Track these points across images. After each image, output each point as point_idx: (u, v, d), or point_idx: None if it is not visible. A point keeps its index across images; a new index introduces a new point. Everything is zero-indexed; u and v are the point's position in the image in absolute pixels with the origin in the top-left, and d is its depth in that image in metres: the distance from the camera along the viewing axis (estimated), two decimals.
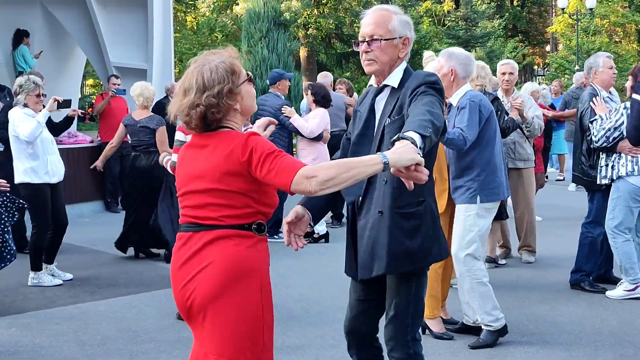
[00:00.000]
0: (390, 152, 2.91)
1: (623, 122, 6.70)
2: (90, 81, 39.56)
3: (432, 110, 3.21)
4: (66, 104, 7.84)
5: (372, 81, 3.75)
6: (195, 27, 40.68)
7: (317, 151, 9.69)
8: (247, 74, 3.24)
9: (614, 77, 7.13)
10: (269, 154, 2.99)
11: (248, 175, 3.05)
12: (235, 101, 3.16)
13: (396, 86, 3.60)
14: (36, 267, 7.60)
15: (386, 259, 3.47)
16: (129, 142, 9.10)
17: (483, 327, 5.60)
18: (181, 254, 3.17)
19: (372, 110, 3.66)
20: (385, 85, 3.66)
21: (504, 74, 8.12)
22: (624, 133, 6.70)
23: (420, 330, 3.70)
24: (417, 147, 2.93)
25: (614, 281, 7.23)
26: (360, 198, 3.57)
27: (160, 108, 13.72)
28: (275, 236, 9.94)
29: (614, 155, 6.84)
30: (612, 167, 6.85)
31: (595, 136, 6.85)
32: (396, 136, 3.01)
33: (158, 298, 7.21)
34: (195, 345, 3.29)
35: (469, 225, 5.50)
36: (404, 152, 2.88)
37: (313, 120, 9.60)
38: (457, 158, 5.55)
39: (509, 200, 8.10)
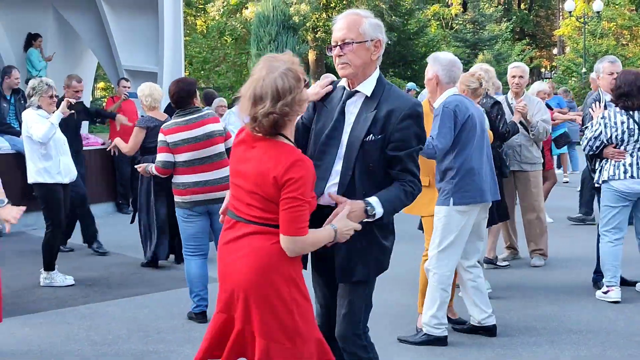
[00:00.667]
0: (338, 220, 3.35)
1: (601, 132, 6.85)
2: (101, 84, 39.68)
3: (406, 190, 3.58)
4: (78, 106, 7.83)
5: (344, 82, 3.74)
6: (205, 31, 40.72)
7: None
8: (305, 80, 3.34)
9: (613, 82, 7.09)
10: (293, 198, 3.18)
11: (278, 191, 3.22)
12: (302, 107, 3.34)
13: (369, 95, 3.62)
14: (49, 267, 7.60)
15: (365, 267, 3.63)
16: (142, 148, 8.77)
17: (424, 327, 5.63)
18: (226, 235, 3.44)
19: (342, 112, 3.65)
20: (357, 91, 3.66)
21: (514, 77, 8.09)
22: (605, 141, 6.85)
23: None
24: (368, 216, 3.47)
25: (630, 283, 7.24)
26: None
27: (169, 111, 13.76)
28: None
29: (603, 160, 6.99)
30: (600, 171, 7.02)
31: (583, 143, 7.06)
32: (364, 200, 3.48)
33: (168, 298, 7.22)
34: (230, 324, 3.42)
35: (440, 226, 5.54)
36: (349, 223, 3.38)
37: None
38: (437, 163, 5.59)
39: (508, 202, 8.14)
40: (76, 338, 5.99)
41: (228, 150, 6.29)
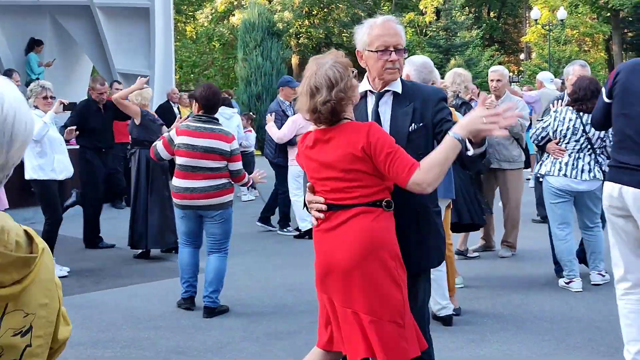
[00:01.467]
0: (454, 129, 3.16)
1: (549, 124, 6.95)
2: None
3: None
4: (72, 106, 7.82)
5: (365, 86, 3.62)
6: (195, 37, 40.67)
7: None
8: (353, 70, 3.36)
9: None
10: (388, 153, 3.17)
11: (370, 160, 3.22)
12: (355, 93, 3.35)
13: (400, 91, 3.54)
14: None
15: (435, 253, 3.58)
16: (132, 140, 8.71)
17: None
18: (325, 226, 3.36)
19: (377, 113, 3.56)
20: (387, 91, 3.56)
21: (492, 80, 8.04)
22: (550, 135, 6.94)
23: None
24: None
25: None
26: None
27: (163, 111, 13.76)
28: (284, 229, 10.04)
29: (545, 154, 7.10)
30: (540, 164, 7.15)
31: (531, 131, 7.21)
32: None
33: (160, 288, 7.21)
34: (333, 308, 3.39)
35: None
36: (469, 122, 3.12)
37: (285, 126, 9.50)
38: None
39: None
40: (73, 324, 5.92)
41: (233, 172, 6.22)
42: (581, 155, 6.83)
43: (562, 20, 38.38)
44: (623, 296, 4.69)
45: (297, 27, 36.56)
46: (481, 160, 3.37)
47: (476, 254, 8.39)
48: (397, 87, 3.54)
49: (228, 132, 6.38)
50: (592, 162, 6.80)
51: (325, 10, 38.00)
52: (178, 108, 14.60)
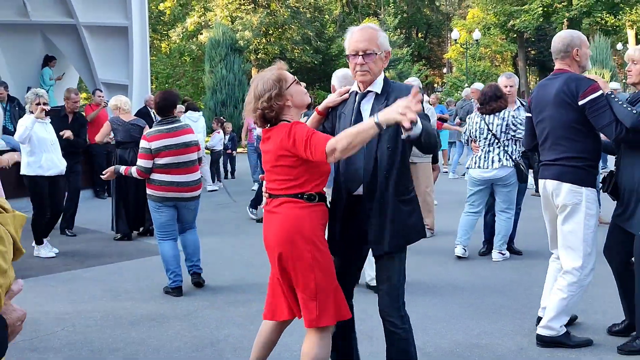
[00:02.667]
0: (379, 114, 3.00)
1: (466, 129, 7.30)
2: (83, 94, 38.75)
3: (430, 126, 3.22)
4: (52, 111, 7.54)
5: (355, 87, 3.51)
6: (168, 52, 40.18)
7: None
8: (294, 78, 3.41)
9: (509, 93, 7.21)
10: (305, 140, 3.16)
11: (296, 156, 3.22)
12: (285, 100, 3.32)
13: (380, 92, 3.41)
14: (37, 242, 7.48)
15: (393, 238, 3.35)
16: (114, 140, 8.66)
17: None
18: (266, 210, 3.42)
19: (358, 112, 3.43)
20: (369, 91, 3.43)
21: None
22: (470, 135, 7.23)
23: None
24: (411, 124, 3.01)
25: (515, 251, 7.42)
26: (363, 188, 3.37)
27: (141, 115, 13.58)
28: (253, 210, 9.83)
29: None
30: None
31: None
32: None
33: (136, 266, 7.12)
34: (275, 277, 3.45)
35: None
36: (388, 111, 2.97)
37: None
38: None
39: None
40: (59, 297, 5.86)
41: (199, 159, 6.22)
42: (491, 149, 7.01)
43: (477, 40, 38.91)
44: (551, 262, 4.89)
45: (255, 44, 36.35)
46: (425, 143, 3.16)
47: None
48: (377, 87, 3.42)
49: (188, 124, 6.29)
50: (502, 153, 6.96)
51: (279, 30, 37.84)
52: (154, 113, 14.45)
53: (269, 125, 3.37)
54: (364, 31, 3.41)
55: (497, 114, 6.97)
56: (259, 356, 3.60)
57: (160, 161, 5.85)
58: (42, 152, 7.38)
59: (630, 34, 39.16)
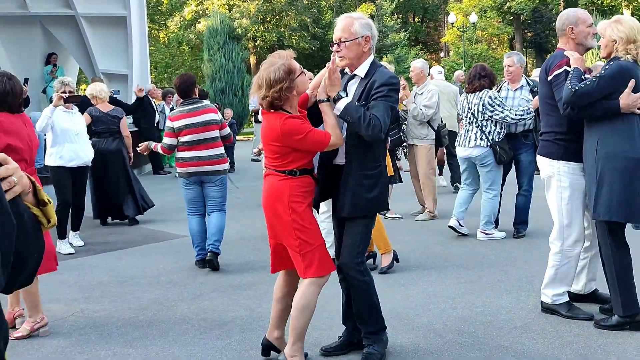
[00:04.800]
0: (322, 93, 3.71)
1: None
2: (83, 86, 38.69)
3: (376, 115, 3.58)
4: (75, 98, 7.11)
5: (348, 69, 3.89)
6: (167, 42, 40.07)
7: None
8: (300, 68, 3.70)
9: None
10: (302, 138, 3.61)
11: (284, 145, 3.66)
12: (293, 91, 3.64)
13: (363, 76, 3.76)
14: (60, 236, 7.15)
15: (352, 206, 3.76)
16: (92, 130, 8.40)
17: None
18: (264, 176, 3.90)
19: (345, 91, 3.79)
20: (355, 75, 3.82)
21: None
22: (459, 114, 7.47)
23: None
24: (339, 93, 3.66)
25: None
26: (344, 163, 3.78)
27: (141, 105, 13.56)
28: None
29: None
30: None
31: None
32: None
33: (141, 252, 7.14)
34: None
35: None
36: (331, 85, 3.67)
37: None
38: None
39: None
40: (67, 284, 5.87)
41: (224, 136, 6.42)
42: (470, 127, 7.09)
43: (474, 23, 38.80)
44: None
45: (253, 32, 36.24)
46: (352, 124, 3.64)
47: (398, 215, 8.46)
48: (362, 71, 3.78)
49: (212, 105, 6.75)
50: (479, 132, 6.99)
51: (277, 17, 37.69)
52: (154, 102, 14.46)
53: (273, 110, 3.71)
54: (340, 21, 3.79)
55: (477, 93, 7.00)
56: (275, 310, 3.99)
57: (183, 139, 6.20)
58: (64, 143, 7.02)
59: (627, 13, 38.96)
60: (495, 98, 6.89)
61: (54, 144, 7.05)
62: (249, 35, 35.23)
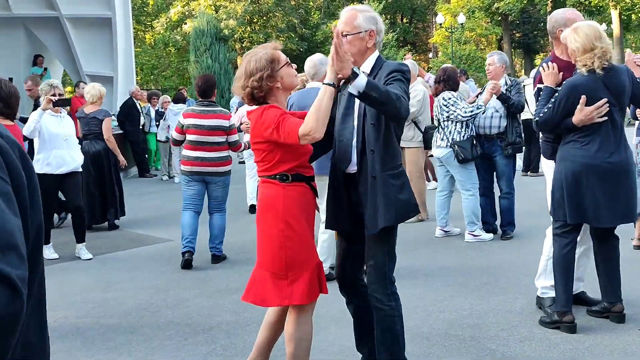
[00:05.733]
0: (329, 74, 3.15)
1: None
2: (68, 88, 38.49)
3: (394, 90, 3.15)
4: (63, 102, 6.98)
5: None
6: (153, 43, 39.93)
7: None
8: (286, 59, 3.40)
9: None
10: (276, 125, 3.19)
11: (268, 141, 3.26)
12: (275, 81, 3.32)
13: (368, 72, 3.37)
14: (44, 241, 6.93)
15: (386, 212, 3.30)
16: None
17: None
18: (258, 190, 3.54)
19: (351, 94, 3.34)
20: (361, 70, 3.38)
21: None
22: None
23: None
24: (353, 75, 3.04)
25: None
26: (356, 168, 3.39)
27: (126, 108, 13.55)
28: None
29: None
30: None
31: None
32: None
33: (125, 256, 7.10)
34: None
35: None
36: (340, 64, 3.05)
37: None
38: None
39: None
40: (49, 291, 5.79)
41: (231, 143, 6.53)
42: (439, 128, 7.25)
43: (462, 24, 38.88)
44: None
45: (240, 33, 36.21)
46: (380, 100, 3.10)
47: None
48: (367, 67, 3.41)
49: (226, 110, 6.85)
50: (441, 133, 7.15)
51: (264, 18, 37.69)
52: (140, 104, 14.40)
53: (256, 103, 3.39)
54: (344, 13, 3.47)
55: (439, 95, 7.20)
56: (262, 337, 3.60)
57: (189, 137, 6.46)
58: (52, 149, 6.83)
59: (614, 14, 39.21)
60: (450, 98, 7.02)
61: (41, 150, 6.85)
62: (235, 36, 35.18)
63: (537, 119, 4.39)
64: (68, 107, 7.11)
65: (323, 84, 3.17)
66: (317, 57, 5.92)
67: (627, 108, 4.91)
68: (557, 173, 4.41)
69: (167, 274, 6.28)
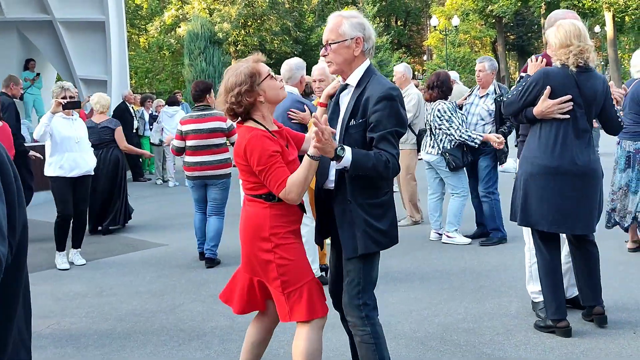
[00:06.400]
0: (310, 150, 3.01)
1: None
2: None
3: (387, 151, 3.01)
4: (73, 104, 6.70)
5: (340, 77, 3.35)
6: (147, 47, 39.85)
7: None
8: (269, 71, 3.21)
9: (478, 77, 7.26)
10: (260, 170, 3.08)
11: (255, 172, 3.13)
12: (257, 95, 3.16)
13: (354, 85, 3.17)
14: (57, 248, 6.84)
15: (358, 242, 3.12)
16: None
17: None
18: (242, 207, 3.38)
19: (337, 104, 3.31)
20: (348, 84, 3.23)
21: (476, 71, 7.39)
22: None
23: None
24: (336, 155, 2.92)
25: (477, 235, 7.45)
26: (334, 187, 3.17)
27: (119, 112, 13.52)
28: None
29: None
30: None
31: None
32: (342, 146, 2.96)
33: (119, 261, 7.07)
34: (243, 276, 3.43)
35: None
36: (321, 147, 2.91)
37: None
38: None
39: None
40: (43, 296, 5.78)
41: (233, 143, 6.33)
42: (427, 133, 7.33)
43: (456, 26, 38.99)
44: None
45: (235, 36, 36.14)
46: (367, 174, 3.01)
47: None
48: (354, 79, 3.19)
49: (221, 113, 6.65)
50: (432, 140, 7.22)
51: (258, 21, 37.62)
52: (133, 108, 14.37)
53: (239, 119, 3.25)
54: (330, 20, 3.22)
55: (431, 102, 7.18)
56: (248, 358, 3.51)
57: (189, 143, 6.62)
58: (64, 152, 6.67)
59: (608, 16, 39.33)
60: (445, 112, 6.99)
61: (53, 153, 6.71)
62: (230, 39, 35.13)
63: (503, 99, 4.44)
64: (79, 110, 6.97)
65: (308, 155, 3.02)
66: (294, 61, 5.92)
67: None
68: (519, 174, 4.38)
69: (162, 279, 6.25)
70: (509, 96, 4.40)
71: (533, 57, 4.61)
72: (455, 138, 6.93)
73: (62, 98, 6.58)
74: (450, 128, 6.93)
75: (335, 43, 3.15)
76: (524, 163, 4.32)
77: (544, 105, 4.17)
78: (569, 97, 4.15)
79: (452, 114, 6.98)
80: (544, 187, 4.20)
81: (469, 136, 6.88)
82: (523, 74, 4.51)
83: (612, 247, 6.46)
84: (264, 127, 3.19)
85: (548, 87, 4.17)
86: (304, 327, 3.19)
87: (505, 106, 4.42)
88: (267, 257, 3.16)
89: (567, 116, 4.16)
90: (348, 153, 2.95)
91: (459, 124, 6.94)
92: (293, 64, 5.84)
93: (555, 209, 4.18)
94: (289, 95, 5.83)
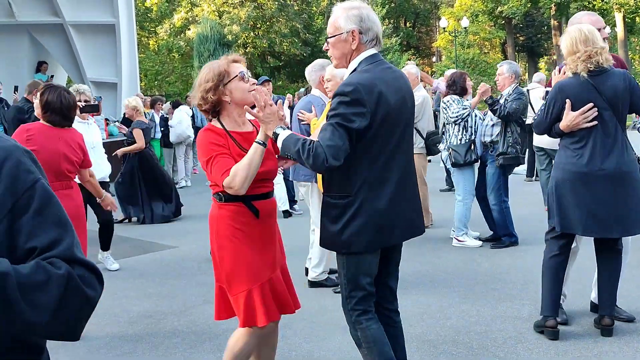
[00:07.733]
0: (260, 135, 3.02)
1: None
2: None
3: (320, 142, 2.84)
4: (92, 108, 6.54)
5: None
6: (156, 49, 40.00)
7: None
8: (242, 74, 3.14)
9: (497, 80, 7.15)
10: (205, 161, 3.05)
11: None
12: (223, 95, 3.11)
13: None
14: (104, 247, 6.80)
15: (322, 234, 3.14)
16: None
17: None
18: None
19: (282, 127, 3.16)
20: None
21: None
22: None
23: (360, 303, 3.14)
24: (275, 131, 2.95)
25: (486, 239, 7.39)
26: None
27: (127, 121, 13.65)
28: (291, 210, 9.64)
29: None
30: None
31: None
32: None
33: (131, 264, 7.07)
34: None
35: None
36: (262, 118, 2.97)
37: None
38: None
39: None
40: None
41: None
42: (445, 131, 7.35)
43: (465, 28, 38.90)
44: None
45: (244, 39, 36.25)
46: (294, 158, 2.92)
47: None
48: (348, 73, 3.11)
49: None
50: (444, 137, 7.27)
51: (267, 23, 37.71)
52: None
53: (207, 114, 3.23)
54: (331, 15, 3.12)
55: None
56: None
57: None
58: None
59: (618, 17, 39.15)
60: (447, 100, 7.14)
61: None
62: (239, 41, 35.22)
63: (532, 121, 4.48)
64: (96, 114, 6.82)
65: (255, 142, 2.99)
66: (311, 64, 5.88)
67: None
68: (551, 180, 4.38)
69: (172, 281, 6.26)
70: (535, 118, 4.46)
71: (556, 68, 4.59)
72: (451, 118, 6.98)
73: (77, 101, 6.27)
74: (448, 112, 7.05)
75: (332, 37, 3.08)
76: (557, 171, 4.31)
77: (568, 119, 4.16)
78: (590, 105, 4.11)
79: (452, 102, 7.08)
80: (576, 193, 4.17)
81: (461, 108, 6.95)
82: (548, 89, 4.52)
83: None
84: (223, 127, 3.14)
85: (568, 101, 4.15)
86: (243, 329, 3.20)
87: (535, 127, 4.45)
88: (215, 258, 3.20)
89: (595, 122, 4.13)
90: (281, 135, 2.94)
91: (456, 108, 6.98)
92: (309, 68, 5.82)
93: (588, 214, 4.14)
94: (308, 97, 5.87)
